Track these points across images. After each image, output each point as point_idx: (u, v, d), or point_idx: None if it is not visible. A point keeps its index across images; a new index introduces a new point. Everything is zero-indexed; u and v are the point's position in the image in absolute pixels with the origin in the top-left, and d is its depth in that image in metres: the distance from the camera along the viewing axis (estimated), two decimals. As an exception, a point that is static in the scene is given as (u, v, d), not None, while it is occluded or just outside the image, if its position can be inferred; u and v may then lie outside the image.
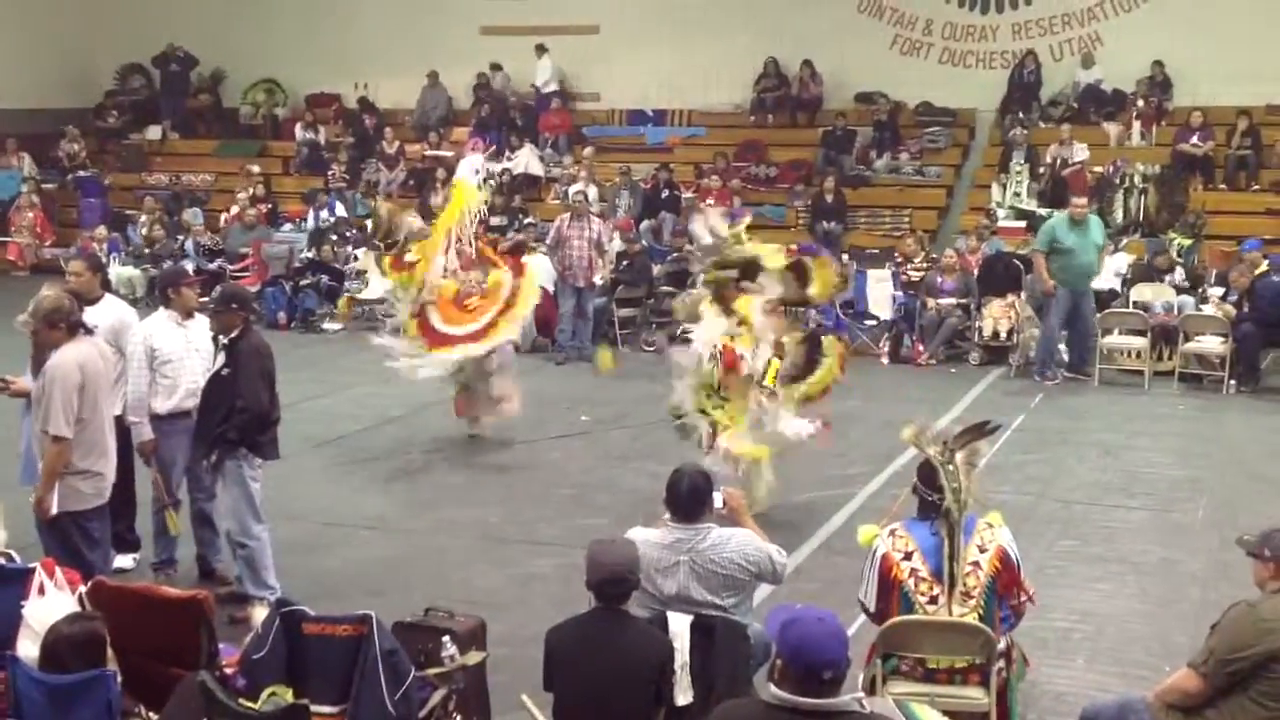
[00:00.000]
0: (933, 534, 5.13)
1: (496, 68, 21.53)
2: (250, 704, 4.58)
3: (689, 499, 5.24)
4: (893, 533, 5.24)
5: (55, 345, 6.37)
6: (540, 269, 14.74)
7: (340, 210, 19.12)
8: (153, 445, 7.43)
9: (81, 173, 22.15)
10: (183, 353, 7.43)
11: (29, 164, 21.95)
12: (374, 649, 4.69)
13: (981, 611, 5.10)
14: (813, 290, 8.68)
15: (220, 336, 7.17)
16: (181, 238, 18.82)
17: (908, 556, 5.15)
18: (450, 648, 5.30)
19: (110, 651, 4.52)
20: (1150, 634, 6.96)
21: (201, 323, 7.55)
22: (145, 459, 7.49)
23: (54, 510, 6.31)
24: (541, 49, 21.13)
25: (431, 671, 5.13)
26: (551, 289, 14.65)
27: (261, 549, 7.15)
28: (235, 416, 6.97)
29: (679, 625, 5.11)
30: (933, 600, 5.09)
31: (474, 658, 5.39)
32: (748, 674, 5.18)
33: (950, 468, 5.12)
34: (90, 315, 6.96)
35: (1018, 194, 17.98)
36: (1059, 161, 17.88)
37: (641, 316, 15.51)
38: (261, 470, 7.22)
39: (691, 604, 5.16)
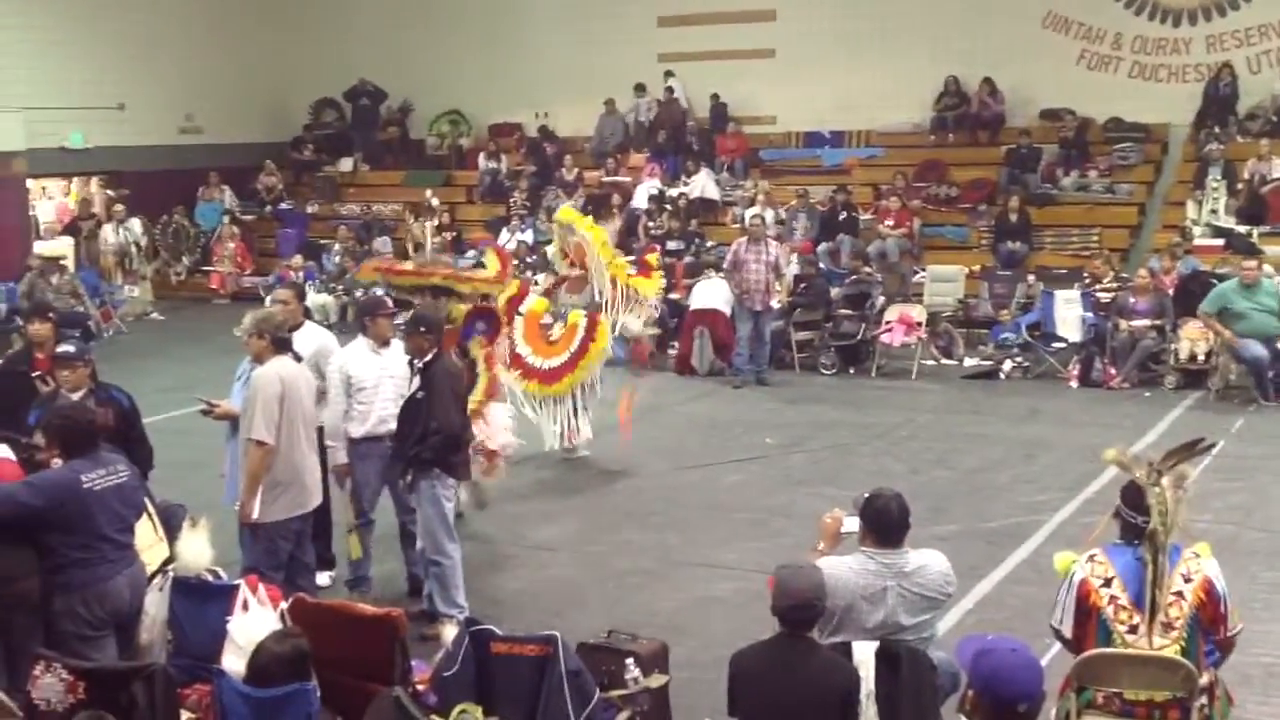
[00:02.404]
0: (1136, 559, 4.90)
1: (640, 89, 21.95)
2: (442, 720, 4.70)
3: (900, 522, 5.13)
4: (1091, 558, 5.03)
5: (258, 355, 6.79)
6: (717, 292, 14.86)
7: (530, 235, 19.63)
8: (346, 469, 7.69)
9: (282, 204, 23.17)
10: (377, 380, 7.69)
11: (230, 196, 23.03)
12: (559, 669, 4.77)
13: (1184, 644, 4.86)
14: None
15: (414, 360, 7.40)
16: (372, 265, 19.48)
17: (1107, 583, 4.93)
18: (634, 670, 5.35)
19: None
20: (1366, 673, 6.58)
21: (397, 350, 7.79)
22: (339, 481, 7.76)
23: (254, 515, 6.59)
24: (669, 74, 21.59)
25: (615, 693, 5.19)
26: (729, 312, 14.67)
27: (453, 568, 7.32)
28: (429, 438, 7.17)
29: (864, 654, 5.02)
30: (1132, 629, 4.87)
31: (657, 680, 5.43)
32: (935, 705, 5.06)
33: (1157, 490, 4.89)
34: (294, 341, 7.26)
35: (1214, 211, 17.29)
36: (1257, 177, 17.15)
37: (819, 339, 15.38)
38: (454, 490, 7.41)
39: (900, 630, 5.04)
